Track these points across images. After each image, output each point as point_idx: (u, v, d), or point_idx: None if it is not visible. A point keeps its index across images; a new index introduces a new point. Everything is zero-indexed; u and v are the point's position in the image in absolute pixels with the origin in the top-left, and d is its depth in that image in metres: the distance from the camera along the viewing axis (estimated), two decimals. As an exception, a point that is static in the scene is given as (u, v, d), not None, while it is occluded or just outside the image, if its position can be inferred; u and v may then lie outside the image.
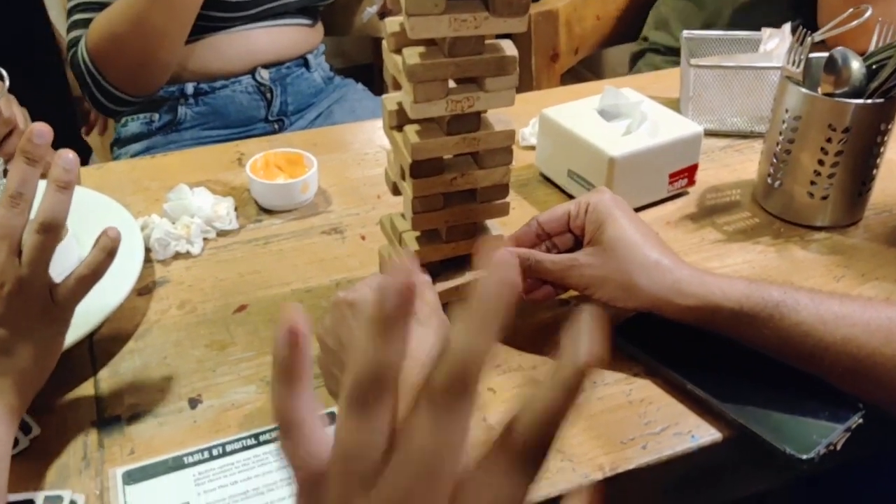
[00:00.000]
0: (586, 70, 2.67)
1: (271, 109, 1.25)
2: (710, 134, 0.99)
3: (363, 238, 0.83)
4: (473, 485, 0.27)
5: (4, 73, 0.78)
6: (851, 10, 0.82)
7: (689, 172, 0.87)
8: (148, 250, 0.79)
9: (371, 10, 1.29)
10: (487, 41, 0.59)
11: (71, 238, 0.75)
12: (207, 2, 1.05)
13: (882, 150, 0.79)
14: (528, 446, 0.27)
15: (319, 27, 1.34)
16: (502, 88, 0.60)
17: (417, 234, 0.69)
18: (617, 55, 2.11)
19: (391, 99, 0.67)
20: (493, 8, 0.56)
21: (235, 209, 0.86)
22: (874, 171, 0.80)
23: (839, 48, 0.75)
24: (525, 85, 1.35)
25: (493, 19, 0.56)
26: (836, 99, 0.75)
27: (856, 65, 0.75)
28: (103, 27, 1.03)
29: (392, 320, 0.27)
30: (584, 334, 0.26)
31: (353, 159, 0.97)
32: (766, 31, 0.96)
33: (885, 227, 0.83)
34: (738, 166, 0.93)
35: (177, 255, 0.80)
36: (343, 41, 1.98)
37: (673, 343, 0.65)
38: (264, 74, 1.23)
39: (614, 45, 1.58)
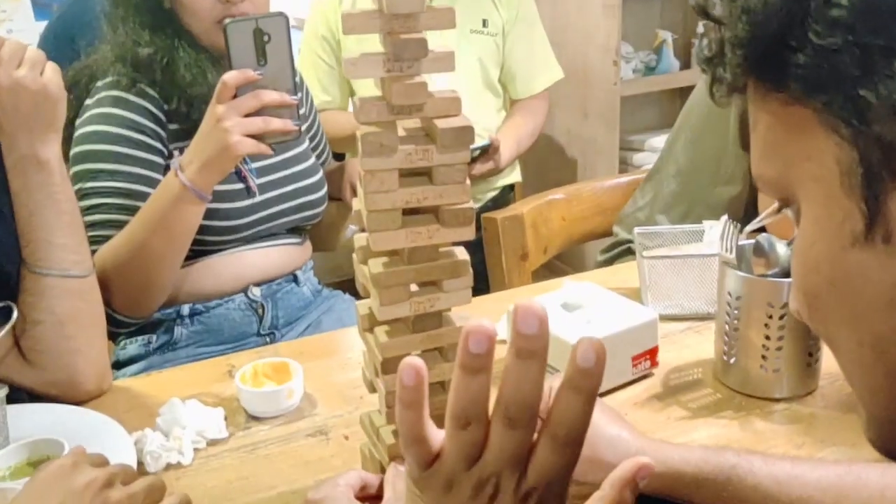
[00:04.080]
0: (565, 264, 2.80)
1: (263, 324, 1.32)
2: (671, 318, 1.05)
3: (346, 438, 0.87)
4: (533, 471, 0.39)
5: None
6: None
7: (651, 355, 0.92)
8: (140, 463, 0.82)
9: (354, 227, 1.40)
10: (442, 248, 0.67)
11: (67, 455, 0.79)
12: (201, 227, 1.16)
13: (822, 322, 0.85)
14: (569, 440, 0.38)
15: (308, 244, 1.44)
16: (459, 289, 0.68)
17: (394, 428, 0.73)
18: (595, 248, 2.24)
19: (363, 304, 0.74)
20: (443, 221, 0.64)
21: (225, 418, 0.90)
22: (819, 342, 0.86)
23: (764, 234, 0.84)
24: (497, 283, 1.44)
25: (443, 230, 0.64)
26: (770, 279, 0.83)
27: (781, 248, 0.83)
28: (106, 257, 1.13)
29: (473, 363, 0.37)
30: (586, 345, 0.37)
31: (337, 364, 1.03)
32: (708, 224, 1.06)
33: (839, 394, 0.87)
34: (698, 346, 0.99)
35: (168, 467, 0.83)
36: (334, 256, 2.11)
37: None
38: (256, 292, 1.31)
39: (584, 241, 1.69)
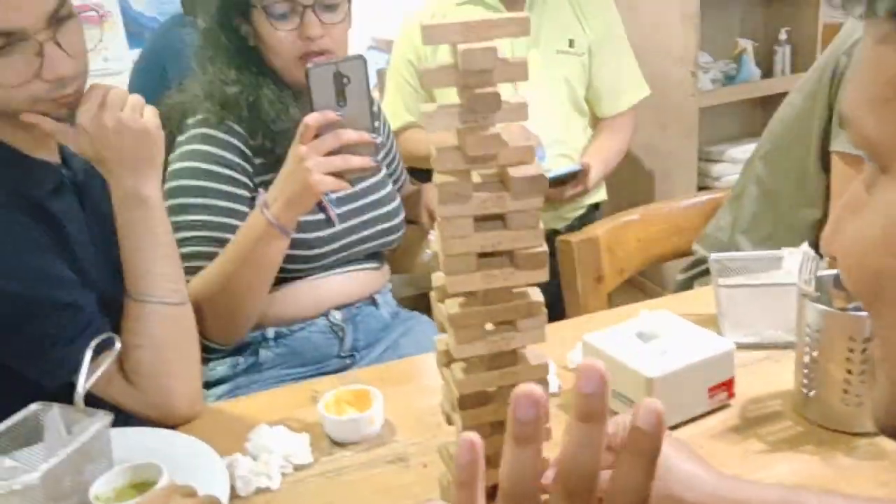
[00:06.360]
0: (644, 279, 2.77)
1: (343, 346, 1.37)
2: (749, 347, 1.04)
3: (425, 466, 0.90)
4: None
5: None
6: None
7: (727, 386, 0.92)
8: (232, 487, 0.87)
9: (430, 251, 1.43)
10: (516, 289, 0.69)
11: (166, 480, 0.84)
12: (285, 256, 1.21)
13: (907, 355, 0.83)
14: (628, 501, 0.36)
15: (386, 268, 1.48)
16: (533, 328, 0.69)
17: (471, 461, 0.75)
18: (674, 264, 2.22)
19: (441, 340, 0.76)
20: (517, 264, 0.66)
21: (310, 444, 0.94)
22: (905, 376, 0.84)
23: (844, 267, 0.83)
24: (573, 305, 1.45)
25: (517, 272, 0.66)
26: (851, 313, 0.82)
27: (863, 280, 0.82)
28: (197, 289, 1.19)
29: (522, 432, 0.36)
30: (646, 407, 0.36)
31: (415, 390, 1.06)
32: (786, 251, 1.04)
33: (927, 429, 0.85)
34: (777, 377, 0.98)
35: (257, 491, 0.88)
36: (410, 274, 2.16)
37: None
38: (336, 315, 1.36)
39: (661, 262, 1.68)
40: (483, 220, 0.66)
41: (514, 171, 0.63)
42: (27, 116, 0.93)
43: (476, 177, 0.66)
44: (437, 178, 0.65)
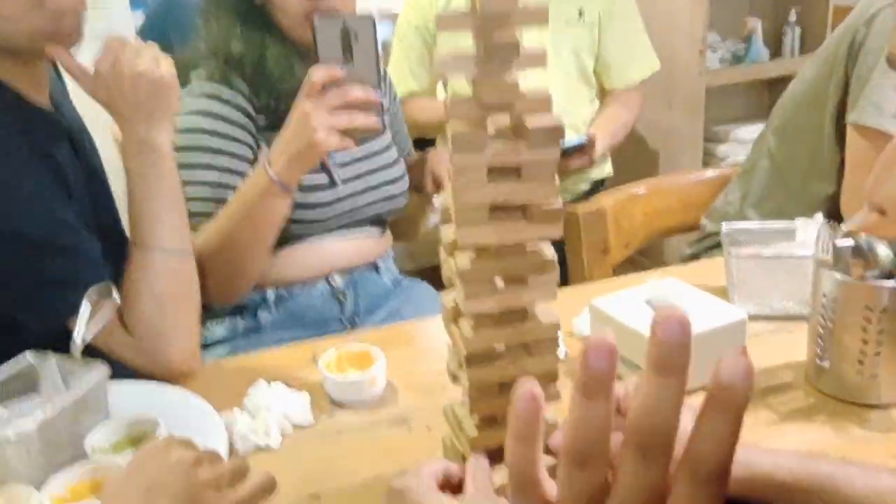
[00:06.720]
0: (645, 259, 2.75)
1: (344, 311, 1.35)
2: (760, 318, 1.03)
3: (429, 429, 0.88)
4: None
5: None
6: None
7: (738, 356, 0.90)
8: (230, 445, 0.85)
9: (435, 217, 1.41)
10: (529, 245, 0.67)
11: (164, 432, 0.83)
12: (287, 218, 1.19)
13: (923, 326, 0.81)
14: (712, 475, 0.31)
15: (388, 235, 1.46)
16: (545, 285, 0.67)
17: (477, 420, 0.74)
18: (676, 244, 2.20)
19: (448, 296, 0.74)
20: (531, 218, 0.64)
21: (311, 404, 0.93)
22: (920, 348, 0.83)
23: (863, 236, 0.81)
24: (577, 277, 1.43)
25: (531, 227, 0.64)
26: (869, 282, 0.80)
27: (882, 250, 0.80)
28: (197, 248, 1.16)
29: (593, 383, 0.33)
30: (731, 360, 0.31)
31: (419, 354, 1.04)
32: (800, 221, 1.02)
33: (940, 402, 0.83)
34: (789, 348, 0.96)
35: (257, 449, 0.86)
36: (412, 246, 2.14)
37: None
38: (338, 279, 1.34)
39: (667, 236, 1.66)
40: (497, 172, 0.64)
41: (531, 121, 0.61)
42: (53, 49, 0.92)
43: (491, 128, 0.64)
44: (451, 127, 0.62)
